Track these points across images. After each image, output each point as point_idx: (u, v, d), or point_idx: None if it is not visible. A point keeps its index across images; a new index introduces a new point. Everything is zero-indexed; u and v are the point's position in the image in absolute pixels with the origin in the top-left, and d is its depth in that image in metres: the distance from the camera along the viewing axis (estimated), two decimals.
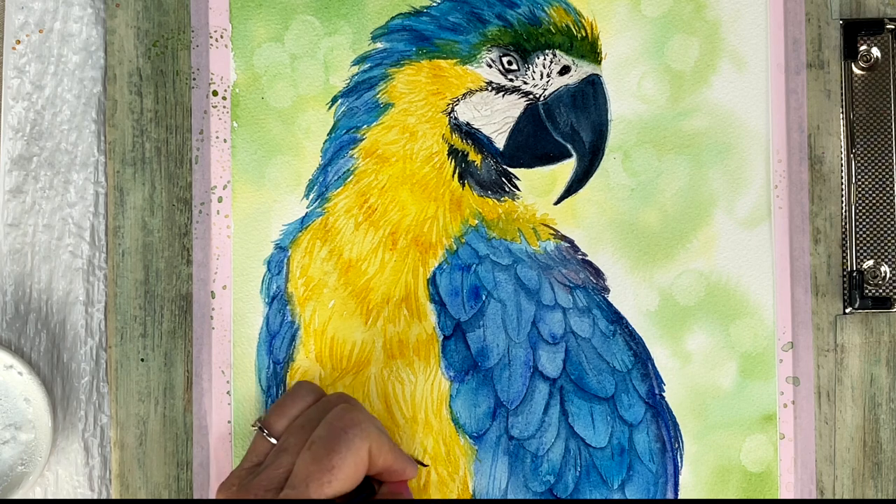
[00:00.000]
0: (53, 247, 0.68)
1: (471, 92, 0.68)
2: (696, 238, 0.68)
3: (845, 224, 0.68)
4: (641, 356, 0.68)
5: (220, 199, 0.68)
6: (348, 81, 0.68)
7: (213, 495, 0.66)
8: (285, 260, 0.68)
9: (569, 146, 0.68)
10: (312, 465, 0.57)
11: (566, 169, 0.68)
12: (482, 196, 0.68)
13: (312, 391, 0.64)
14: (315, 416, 0.61)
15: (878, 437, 0.68)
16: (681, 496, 0.67)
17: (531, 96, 0.68)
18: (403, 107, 0.68)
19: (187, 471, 0.67)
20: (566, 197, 0.68)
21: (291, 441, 0.60)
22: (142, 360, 0.67)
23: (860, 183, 0.68)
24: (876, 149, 0.68)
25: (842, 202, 0.68)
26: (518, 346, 0.67)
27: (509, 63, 0.67)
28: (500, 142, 0.68)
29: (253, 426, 0.63)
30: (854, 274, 0.68)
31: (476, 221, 0.68)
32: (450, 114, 0.68)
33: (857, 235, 0.68)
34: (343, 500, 0.59)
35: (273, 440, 0.61)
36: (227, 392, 0.67)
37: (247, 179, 0.68)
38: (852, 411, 0.68)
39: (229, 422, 0.67)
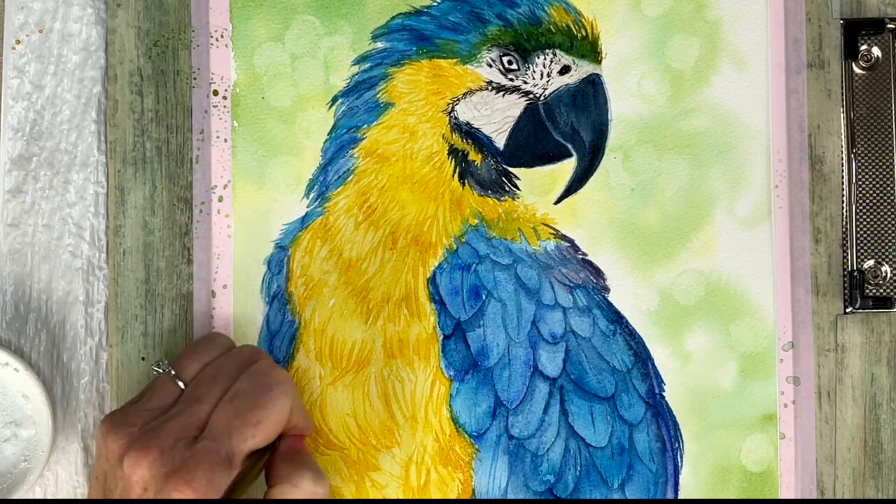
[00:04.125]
0: (53, 247, 0.68)
1: (471, 91, 0.68)
2: (697, 238, 0.68)
3: (846, 224, 0.68)
4: (641, 356, 0.67)
5: (220, 199, 0.68)
6: (348, 81, 0.68)
7: None
8: (285, 259, 0.68)
9: (569, 146, 0.68)
10: (236, 418, 0.57)
11: (566, 168, 0.68)
12: (482, 195, 0.68)
13: (226, 343, 0.64)
14: (227, 368, 0.60)
15: (878, 437, 0.68)
16: (681, 496, 0.67)
17: (531, 96, 0.68)
18: (403, 106, 0.68)
19: None
20: (566, 196, 0.68)
21: (205, 391, 0.59)
22: (142, 359, 0.67)
23: (860, 182, 0.68)
24: (876, 148, 0.68)
25: (842, 202, 0.68)
26: (518, 345, 0.67)
27: (509, 63, 0.67)
28: (500, 141, 0.68)
29: (156, 366, 0.61)
30: (855, 274, 0.68)
31: (476, 221, 0.68)
32: (450, 113, 0.68)
33: (858, 235, 0.68)
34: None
35: (182, 385, 0.60)
36: None
37: (247, 179, 0.68)
38: (853, 411, 0.68)
39: None
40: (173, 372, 0.61)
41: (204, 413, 0.58)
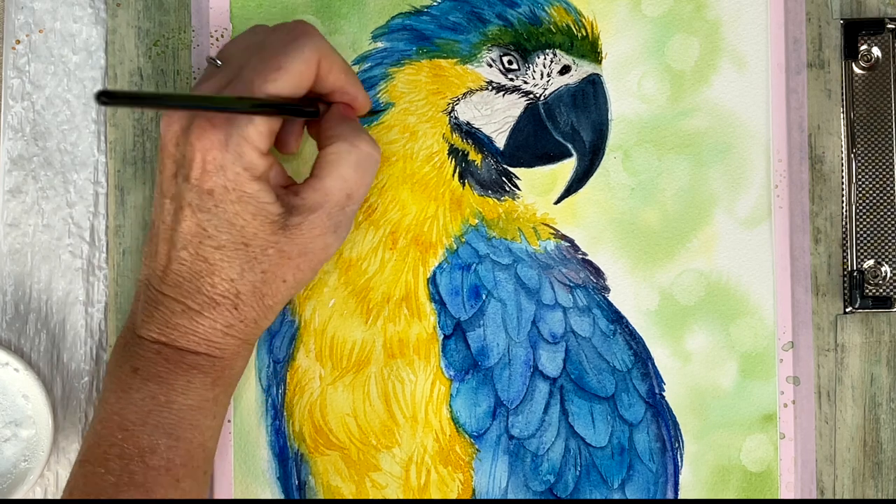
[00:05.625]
0: (53, 247, 0.68)
1: (471, 91, 0.68)
2: (697, 237, 0.68)
3: (845, 224, 0.68)
4: (641, 356, 0.67)
5: None
6: None
7: (214, 494, 0.66)
8: None
9: (569, 146, 0.68)
10: (260, 63, 0.58)
11: (566, 168, 0.68)
12: (482, 195, 0.68)
13: (265, 29, 0.64)
14: (260, 37, 0.61)
15: (878, 437, 0.68)
16: (681, 496, 0.67)
17: (531, 96, 0.68)
18: (404, 106, 0.68)
19: None
20: (566, 196, 0.68)
21: (235, 56, 0.61)
22: None
23: (860, 182, 0.68)
24: (876, 148, 0.68)
25: (842, 202, 0.68)
26: (518, 345, 0.67)
27: (510, 62, 0.67)
28: (500, 141, 0.68)
29: (208, 60, 0.63)
30: (854, 273, 0.68)
31: (476, 221, 0.68)
32: (450, 113, 0.68)
33: (858, 235, 0.68)
34: (286, 111, 0.59)
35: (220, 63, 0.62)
36: None
37: None
38: (852, 411, 0.68)
39: (229, 421, 0.67)
40: (217, 61, 0.62)
41: (233, 72, 0.59)
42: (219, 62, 0.62)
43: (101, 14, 0.69)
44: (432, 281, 0.67)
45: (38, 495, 0.68)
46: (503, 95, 0.68)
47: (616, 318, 0.68)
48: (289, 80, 0.57)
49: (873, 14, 0.69)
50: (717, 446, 0.67)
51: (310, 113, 0.60)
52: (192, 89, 0.62)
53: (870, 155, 0.68)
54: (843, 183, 0.68)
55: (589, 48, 0.68)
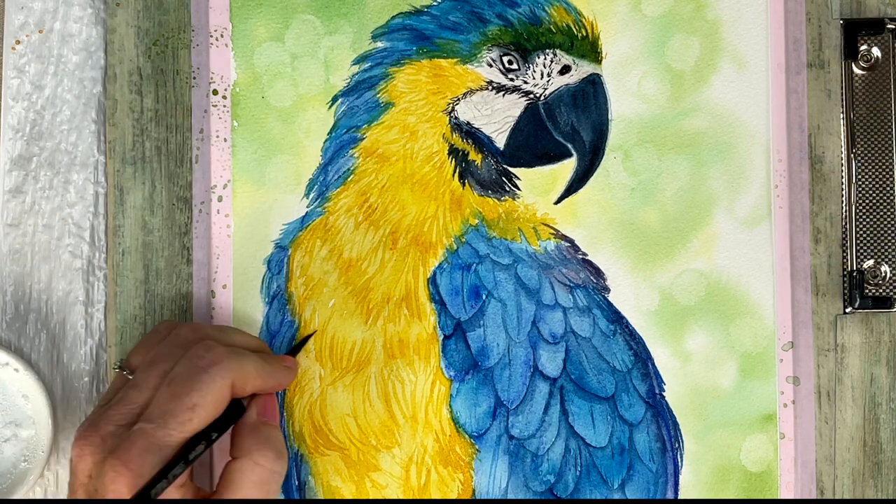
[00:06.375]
0: (53, 247, 0.68)
1: (471, 91, 0.68)
2: (697, 238, 0.68)
3: (845, 224, 0.68)
4: (641, 356, 0.67)
5: (220, 199, 0.68)
6: (349, 81, 0.68)
7: None
8: (285, 259, 0.68)
9: (569, 146, 0.68)
10: (172, 402, 0.57)
11: (566, 168, 0.68)
12: (482, 195, 0.68)
13: (169, 328, 0.63)
14: (166, 351, 0.61)
15: (878, 437, 0.68)
16: (681, 496, 0.67)
17: (531, 96, 0.68)
18: (404, 106, 0.68)
19: None
20: (566, 196, 0.68)
21: (142, 377, 0.59)
22: None
23: (860, 183, 0.68)
24: (876, 148, 0.68)
25: (842, 202, 0.68)
26: (518, 345, 0.67)
27: (510, 62, 0.67)
28: (500, 141, 0.68)
29: (114, 367, 0.62)
30: (854, 274, 0.68)
31: (476, 221, 0.68)
32: (450, 113, 0.68)
33: (858, 235, 0.68)
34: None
35: (130, 377, 0.61)
36: None
37: (247, 179, 0.68)
38: (852, 411, 0.68)
39: None
40: (124, 369, 0.61)
41: (142, 398, 0.58)
42: (125, 370, 0.61)
43: (100, 14, 0.69)
44: (432, 281, 0.67)
45: (38, 495, 0.68)
46: (503, 95, 0.68)
47: (616, 318, 0.68)
48: (204, 416, 0.57)
49: (873, 14, 0.69)
50: (717, 446, 0.68)
51: (236, 417, 0.60)
52: (101, 400, 0.61)
53: (870, 155, 0.68)
54: (843, 183, 0.68)
55: (589, 48, 0.68)
